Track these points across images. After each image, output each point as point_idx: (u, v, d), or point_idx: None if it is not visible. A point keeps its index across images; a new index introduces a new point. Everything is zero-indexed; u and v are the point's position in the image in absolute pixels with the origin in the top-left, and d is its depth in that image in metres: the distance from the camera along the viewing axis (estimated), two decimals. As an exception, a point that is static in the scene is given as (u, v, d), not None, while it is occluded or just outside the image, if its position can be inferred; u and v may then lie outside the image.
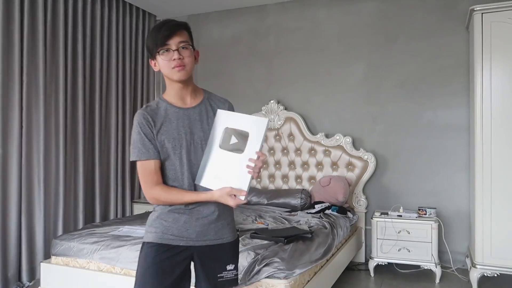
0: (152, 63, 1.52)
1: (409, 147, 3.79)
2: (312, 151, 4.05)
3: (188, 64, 1.46)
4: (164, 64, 1.46)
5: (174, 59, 1.44)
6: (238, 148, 1.44)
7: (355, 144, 3.96)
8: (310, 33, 4.17)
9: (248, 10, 4.42)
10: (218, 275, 1.52)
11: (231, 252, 1.57)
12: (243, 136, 1.44)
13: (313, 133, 4.10)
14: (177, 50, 1.44)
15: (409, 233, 3.38)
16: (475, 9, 3.08)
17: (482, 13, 3.05)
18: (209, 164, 1.47)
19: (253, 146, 1.40)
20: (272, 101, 4.21)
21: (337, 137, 3.96)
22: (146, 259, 1.47)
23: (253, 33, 4.41)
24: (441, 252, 3.53)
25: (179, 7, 4.41)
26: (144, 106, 1.56)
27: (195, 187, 1.50)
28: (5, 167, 3.08)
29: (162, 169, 1.50)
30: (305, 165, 4.08)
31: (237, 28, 4.46)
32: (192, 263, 1.52)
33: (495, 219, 3.01)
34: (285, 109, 4.20)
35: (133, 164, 4.38)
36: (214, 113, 1.55)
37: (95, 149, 3.89)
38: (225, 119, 1.48)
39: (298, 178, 4.10)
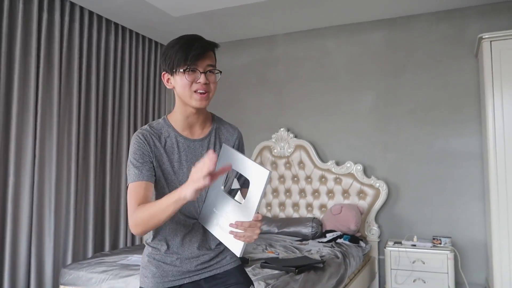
0: (165, 78, 1.33)
1: (421, 175, 3.75)
2: (323, 179, 4.02)
3: (211, 91, 1.30)
4: (184, 84, 1.26)
5: (199, 83, 1.26)
6: (239, 197, 1.28)
7: (366, 172, 3.93)
8: (319, 62, 4.22)
9: (257, 40, 4.51)
10: None
11: (241, 275, 1.43)
12: (245, 183, 1.26)
13: (323, 160, 4.09)
14: (204, 73, 1.27)
15: (424, 263, 3.29)
16: (483, 37, 3.10)
17: (491, 41, 3.07)
18: (212, 206, 1.30)
19: (250, 201, 1.18)
20: (282, 129, 4.22)
21: (348, 165, 3.93)
22: None
23: (262, 62, 4.48)
24: (458, 284, 3.42)
25: (191, 38, 4.51)
26: (146, 125, 1.36)
27: (186, 227, 1.35)
28: (17, 196, 3.10)
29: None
30: (315, 193, 4.05)
31: (247, 58, 4.54)
32: None
33: (513, 248, 2.92)
34: (295, 137, 4.21)
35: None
36: (221, 146, 1.37)
37: (106, 178, 3.91)
38: (229, 158, 1.27)
39: (309, 206, 4.06)
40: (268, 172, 1.13)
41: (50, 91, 3.36)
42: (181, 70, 1.26)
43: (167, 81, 1.33)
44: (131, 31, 4.26)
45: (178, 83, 1.28)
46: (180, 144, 1.34)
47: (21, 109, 3.14)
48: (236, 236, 1.19)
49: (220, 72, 1.33)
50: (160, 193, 1.33)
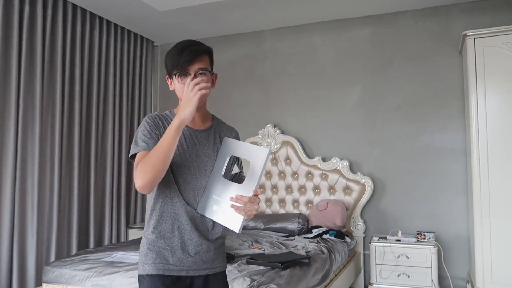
0: (168, 81, 1.48)
1: (406, 171, 3.78)
2: (309, 175, 4.03)
3: None
4: (179, 87, 1.42)
5: None
6: (239, 179, 1.38)
7: (352, 168, 3.95)
8: (306, 57, 4.22)
9: (245, 35, 4.49)
10: None
11: (225, 283, 1.52)
12: (246, 166, 1.39)
13: (310, 156, 4.10)
14: (195, 75, 1.41)
15: (408, 258, 3.33)
16: (467, 34, 3.13)
17: (474, 38, 3.10)
18: (211, 194, 1.41)
19: (251, 180, 1.32)
20: (268, 125, 4.22)
21: (334, 161, 3.95)
22: None
23: (250, 58, 4.46)
24: (441, 277, 3.47)
25: (177, 33, 4.47)
26: (155, 113, 1.51)
27: (188, 222, 1.41)
28: (-1, 192, 3.04)
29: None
30: (302, 189, 4.06)
31: (234, 53, 4.52)
32: None
33: (495, 243, 2.98)
34: (282, 133, 4.21)
35: (128, 189, 4.34)
36: (221, 141, 1.51)
37: (91, 173, 3.86)
38: (231, 147, 1.44)
39: (295, 202, 4.07)
40: (267, 149, 1.30)
41: (33, 85, 3.29)
42: (175, 74, 1.42)
43: (170, 84, 1.48)
44: (116, 25, 4.20)
45: (176, 87, 1.43)
46: (185, 132, 1.45)
47: (2, 103, 3.08)
48: (237, 209, 1.31)
49: (210, 72, 1.49)
50: (164, 176, 1.37)
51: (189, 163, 1.43)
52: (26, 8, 3.23)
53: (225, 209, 1.35)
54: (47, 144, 3.41)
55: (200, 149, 1.46)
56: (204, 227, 1.44)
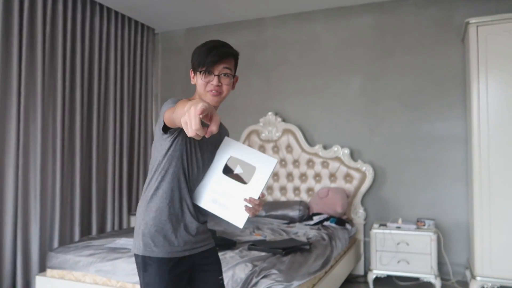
0: (191, 74, 1.55)
1: (407, 159, 3.80)
2: (310, 163, 4.04)
3: (224, 92, 1.49)
4: (201, 83, 1.48)
5: (212, 84, 1.47)
6: (242, 179, 1.47)
7: (353, 156, 3.96)
8: (308, 46, 4.20)
9: (246, 23, 4.46)
10: (220, 277, 1.60)
11: (217, 256, 1.65)
12: (248, 169, 1.47)
13: (311, 144, 4.11)
14: (218, 76, 1.47)
15: (408, 244, 3.36)
16: (470, 22, 3.11)
17: (477, 26, 3.09)
18: (209, 187, 1.51)
19: (257, 183, 1.44)
20: (270, 113, 4.22)
21: (335, 149, 3.96)
22: (162, 276, 1.44)
23: (251, 46, 4.44)
24: (440, 264, 3.51)
25: (178, 20, 4.45)
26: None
27: (191, 206, 1.52)
28: (1, 180, 3.06)
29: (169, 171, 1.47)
30: (303, 176, 4.08)
31: (235, 41, 4.49)
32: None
33: (494, 230, 3.00)
34: (283, 121, 4.21)
35: (130, 176, 4.36)
36: (220, 139, 1.60)
37: (93, 161, 3.87)
38: (231, 148, 1.53)
39: (296, 190, 4.09)
40: (275, 160, 1.44)
41: (34, 74, 3.29)
42: (200, 71, 1.47)
43: (192, 78, 1.53)
44: (116, 13, 4.18)
45: (198, 81, 1.49)
46: None
47: (4, 92, 3.08)
48: (247, 209, 1.43)
49: (233, 76, 1.52)
50: (177, 166, 1.46)
51: (196, 161, 1.52)
52: (27, -5, 3.21)
53: (228, 205, 1.46)
54: (49, 132, 3.42)
55: (207, 147, 1.55)
56: (198, 212, 1.55)
